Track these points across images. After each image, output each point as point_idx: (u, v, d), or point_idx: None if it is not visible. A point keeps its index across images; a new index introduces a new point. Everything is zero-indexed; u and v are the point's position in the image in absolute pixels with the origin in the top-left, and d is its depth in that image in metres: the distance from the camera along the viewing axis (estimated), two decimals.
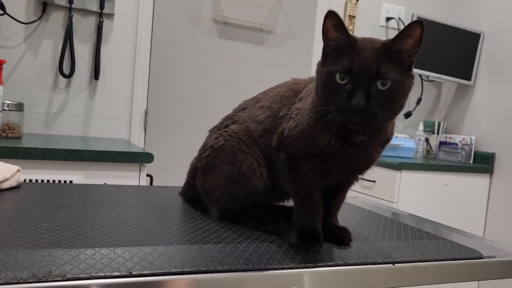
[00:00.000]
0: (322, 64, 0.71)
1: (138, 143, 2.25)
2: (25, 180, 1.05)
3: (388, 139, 0.76)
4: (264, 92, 0.91)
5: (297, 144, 0.74)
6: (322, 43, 0.71)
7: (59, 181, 1.54)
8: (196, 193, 0.92)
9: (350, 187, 0.84)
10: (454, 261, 0.77)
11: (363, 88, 0.65)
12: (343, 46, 0.68)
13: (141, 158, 1.64)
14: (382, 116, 0.67)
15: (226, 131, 0.85)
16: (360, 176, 0.81)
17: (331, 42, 0.69)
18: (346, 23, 2.77)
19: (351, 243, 0.78)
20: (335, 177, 0.77)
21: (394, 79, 0.66)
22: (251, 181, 0.80)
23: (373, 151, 0.73)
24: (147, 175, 1.74)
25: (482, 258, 0.80)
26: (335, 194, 0.82)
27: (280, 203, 0.94)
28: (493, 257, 0.83)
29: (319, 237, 0.73)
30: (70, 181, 1.55)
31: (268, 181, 0.82)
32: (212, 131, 0.92)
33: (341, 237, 0.77)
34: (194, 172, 0.92)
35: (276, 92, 0.86)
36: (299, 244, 0.73)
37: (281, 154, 0.77)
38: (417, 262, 0.74)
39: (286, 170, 0.77)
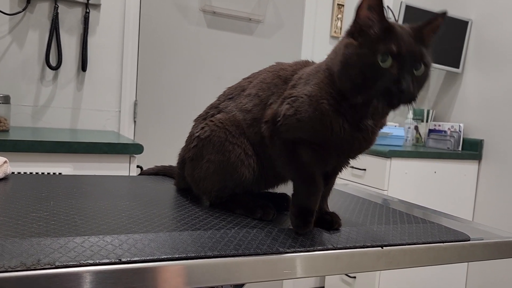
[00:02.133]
0: (352, 43, 0.68)
1: (127, 134, 2.24)
2: (12, 172, 1.04)
3: (384, 123, 0.77)
4: (248, 78, 0.89)
5: (296, 132, 0.73)
6: (353, 21, 0.70)
7: (48, 174, 1.53)
8: (188, 183, 0.92)
9: (341, 172, 0.84)
10: (442, 244, 0.78)
11: (408, 72, 0.65)
12: (378, 29, 0.67)
13: (131, 149, 1.64)
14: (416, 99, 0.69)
15: (212, 121, 0.84)
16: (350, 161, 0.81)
17: (364, 22, 0.68)
18: (335, 11, 2.76)
19: (340, 228, 0.78)
20: (333, 163, 0.77)
21: (429, 63, 0.68)
22: (240, 170, 0.80)
23: (374, 135, 0.75)
24: (137, 166, 1.73)
25: (469, 240, 0.81)
26: (326, 180, 0.81)
27: (271, 190, 0.94)
28: (481, 239, 0.84)
29: (312, 219, 0.74)
30: (59, 174, 1.54)
31: (257, 170, 0.82)
32: (197, 120, 0.91)
33: (331, 222, 0.78)
34: (183, 163, 0.92)
35: (262, 79, 0.84)
36: (294, 221, 0.73)
37: (275, 141, 0.76)
38: (405, 245, 0.75)
39: (284, 154, 0.76)
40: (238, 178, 0.81)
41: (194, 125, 0.90)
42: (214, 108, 0.89)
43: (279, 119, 0.75)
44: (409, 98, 0.67)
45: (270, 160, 0.80)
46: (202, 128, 0.85)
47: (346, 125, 0.70)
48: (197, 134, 0.86)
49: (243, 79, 0.90)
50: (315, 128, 0.71)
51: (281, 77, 0.82)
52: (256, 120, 0.80)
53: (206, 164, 0.83)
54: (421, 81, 0.68)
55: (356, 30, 0.69)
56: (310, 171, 0.74)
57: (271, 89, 0.81)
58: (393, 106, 0.68)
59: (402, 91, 0.65)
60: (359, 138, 0.72)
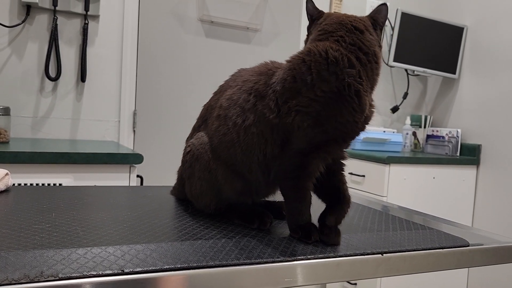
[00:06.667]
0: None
1: (127, 144, 2.25)
2: (13, 184, 1.05)
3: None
4: (216, 95, 0.90)
5: (314, 139, 0.72)
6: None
7: (49, 185, 1.54)
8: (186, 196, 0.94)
9: (343, 164, 0.81)
10: (441, 250, 0.79)
11: None
12: None
13: (131, 159, 1.64)
14: None
15: (194, 143, 0.87)
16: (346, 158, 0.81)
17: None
18: None
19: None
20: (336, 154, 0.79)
21: None
22: (224, 188, 0.83)
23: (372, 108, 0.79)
24: (137, 176, 1.73)
25: (468, 246, 0.82)
26: (331, 181, 0.78)
27: (270, 198, 0.94)
28: (480, 245, 0.84)
29: (315, 227, 0.75)
30: (60, 184, 1.54)
31: (239, 189, 0.82)
32: (187, 142, 0.93)
33: (328, 236, 0.75)
34: (182, 180, 0.94)
35: (229, 96, 0.83)
36: (299, 238, 0.74)
37: (284, 155, 0.75)
38: (405, 251, 0.76)
39: (289, 170, 0.75)
40: (225, 193, 0.83)
41: (185, 146, 0.92)
42: (196, 131, 0.92)
43: (293, 140, 0.74)
44: None
45: (256, 179, 0.80)
46: (189, 146, 0.88)
47: (355, 110, 0.73)
48: (187, 154, 0.89)
49: (213, 93, 0.92)
50: (336, 127, 0.72)
51: (247, 92, 0.81)
52: (232, 141, 0.79)
53: (198, 182, 0.85)
54: None
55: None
56: (305, 187, 0.74)
57: (241, 105, 0.80)
58: None
59: None
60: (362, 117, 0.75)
